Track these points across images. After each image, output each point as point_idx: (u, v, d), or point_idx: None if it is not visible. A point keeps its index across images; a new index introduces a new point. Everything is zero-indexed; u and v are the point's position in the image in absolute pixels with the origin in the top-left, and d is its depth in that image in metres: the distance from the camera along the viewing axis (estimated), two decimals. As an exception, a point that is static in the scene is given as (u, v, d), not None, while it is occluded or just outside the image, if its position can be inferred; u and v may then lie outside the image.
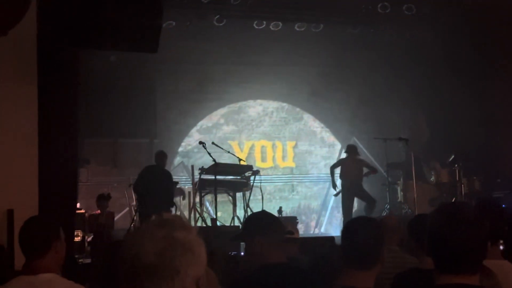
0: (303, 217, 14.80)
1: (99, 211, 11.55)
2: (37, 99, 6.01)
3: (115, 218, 12.53)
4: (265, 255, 3.59)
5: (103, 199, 11.54)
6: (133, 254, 1.74)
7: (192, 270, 1.78)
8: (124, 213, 12.70)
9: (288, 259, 3.77)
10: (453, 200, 12.00)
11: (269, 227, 3.66)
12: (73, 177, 6.97)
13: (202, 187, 11.32)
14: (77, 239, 10.38)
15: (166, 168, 11.35)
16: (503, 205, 10.85)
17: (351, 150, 13.31)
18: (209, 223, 11.31)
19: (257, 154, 15.55)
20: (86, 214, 11.30)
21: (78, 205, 10.36)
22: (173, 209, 11.49)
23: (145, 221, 1.88)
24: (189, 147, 14.89)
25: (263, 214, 4.07)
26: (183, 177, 14.37)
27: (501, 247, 3.86)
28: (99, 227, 11.02)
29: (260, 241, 3.60)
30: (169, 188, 10.85)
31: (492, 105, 13.60)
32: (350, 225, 3.26)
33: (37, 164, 5.98)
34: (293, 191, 15.60)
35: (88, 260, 9.75)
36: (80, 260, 9.63)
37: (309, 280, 3.60)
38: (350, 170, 12.98)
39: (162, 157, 11.17)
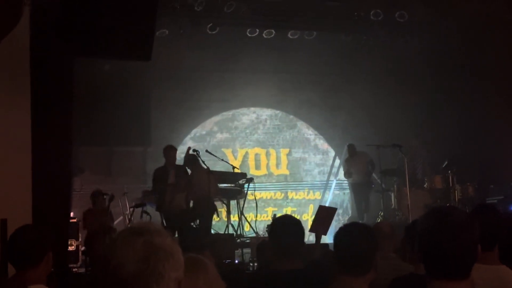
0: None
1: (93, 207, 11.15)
2: (31, 108, 6.00)
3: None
4: (280, 261, 3.66)
5: (101, 195, 11.21)
6: (116, 264, 1.74)
7: (174, 273, 1.80)
8: (118, 222, 12.65)
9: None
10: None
11: (288, 234, 3.74)
12: (67, 186, 6.94)
13: (196, 195, 11.30)
14: (71, 248, 10.35)
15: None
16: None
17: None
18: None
19: (251, 162, 15.55)
20: (80, 223, 11.17)
21: (72, 214, 10.32)
22: None
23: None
24: (183, 155, 14.85)
25: (287, 219, 4.10)
26: (177, 185, 14.35)
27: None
28: (98, 223, 10.66)
29: (277, 247, 3.68)
30: None
31: (485, 112, 13.67)
32: (343, 231, 3.27)
33: (31, 173, 5.96)
34: (287, 198, 15.60)
35: (82, 270, 9.71)
36: (74, 270, 9.60)
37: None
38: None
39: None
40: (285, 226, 3.85)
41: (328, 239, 11.50)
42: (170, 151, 11.00)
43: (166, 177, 10.69)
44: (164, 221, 10.59)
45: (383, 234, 5.00)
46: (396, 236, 5.14)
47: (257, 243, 8.39)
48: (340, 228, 3.31)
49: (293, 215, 14.68)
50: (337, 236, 3.25)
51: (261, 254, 7.03)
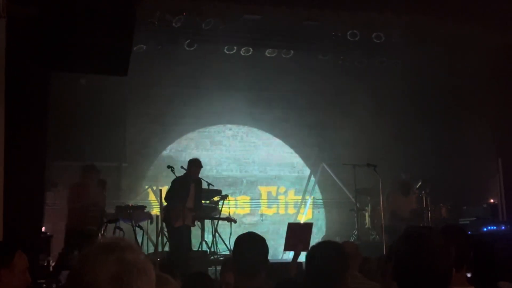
0: (272, 242, 14.74)
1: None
2: (4, 121, 5.94)
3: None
4: (243, 280, 3.58)
5: (93, 170, 11.05)
6: (89, 282, 1.71)
7: None
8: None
9: None
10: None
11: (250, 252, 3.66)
12: (39, 200, 6.87)
13: (170, 211, 11.25)
14: (41, 262, 10.20)
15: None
16: (469, 232, 11.02)
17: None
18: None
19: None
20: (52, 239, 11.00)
21: (43, 228, 10.19)
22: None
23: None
24: (158, 171, 14.81)
25: (248, 238, 3.98)
26: (152, 201, 14.28)
27: (468, 275, 3.89)
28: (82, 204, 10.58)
29: (239, 266, 3.60)
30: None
31: (459, 133, 13.82)
32: (314, 250, 3.26)
33: (3, 186, 5.90)
34: (261, 216, 15.57)
35: (53, 285, 9.58)
36: (44, 286, 9.46)
37: None
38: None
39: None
40: (249, 243, 3.77)
41: (302, 257, 11.53)
42: (195, 166, 11.16)
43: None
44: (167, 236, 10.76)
45: (348, 253, 5.03)
46: (361, 256, 5.21)
47: (224, 260, 8.40)
48: (312, 247, 3.31)
49: (268, 232, 14.75)
50: (309, 254, 3.25)
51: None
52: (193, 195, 10.94)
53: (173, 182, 11.09)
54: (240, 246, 3.77)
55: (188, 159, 11.64)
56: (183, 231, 10.70)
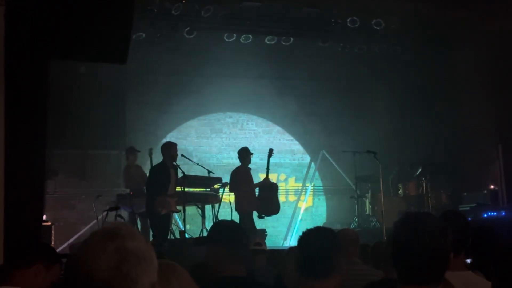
0: (272, 229, 14.78)
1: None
2: (4, 110, 5.93)
3: (83, 230, 12.51)
4: (223, 266, 3.52)
5: (134, 151, 12.27)
6: (87, 270, 1.71)
7: (147, 277, 1.77)
8: (92, 225, 12.56)
9: (254, 271, 3.73)
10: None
11: (233, 239, 3.60)
12: (40, 189, 6.87)
13: (171, 199, 11.24)
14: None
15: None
16: (469, 218, 11.04)
17: None
18: (177, 235, 11.24)
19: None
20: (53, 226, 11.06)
21: (44, 217, 10.22)
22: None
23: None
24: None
25: (231, 224, 3.98)
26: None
27: (468, 261, 3.90)
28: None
29: (221, 252, 3.54)
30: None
31: (460, 120, 13.83)
32: (305, 235, 3.26)
33: (3, 175, 5.89)
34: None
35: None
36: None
37: None
38: None
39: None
40: (227, 231, 3.72)
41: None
42: (169, 148, 10.78)
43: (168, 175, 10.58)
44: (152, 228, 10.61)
45: (349, 240, 5.04)
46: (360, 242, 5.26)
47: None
48: (303, 232, 3.29)
49: (268, 219, 14.75)
50: (300, 239, 3.24)
51: None
52: (174, 182, 10.79)
53: (153, 170, 10.85)
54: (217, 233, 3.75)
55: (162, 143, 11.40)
56: (169, 218, 10.64)
